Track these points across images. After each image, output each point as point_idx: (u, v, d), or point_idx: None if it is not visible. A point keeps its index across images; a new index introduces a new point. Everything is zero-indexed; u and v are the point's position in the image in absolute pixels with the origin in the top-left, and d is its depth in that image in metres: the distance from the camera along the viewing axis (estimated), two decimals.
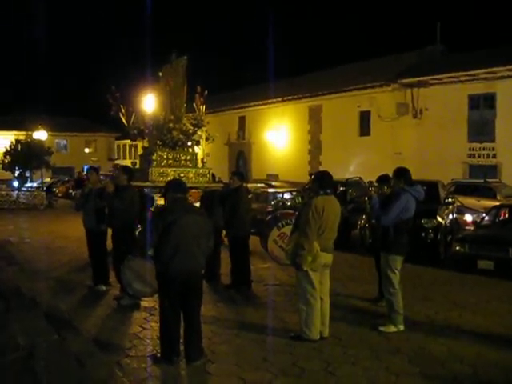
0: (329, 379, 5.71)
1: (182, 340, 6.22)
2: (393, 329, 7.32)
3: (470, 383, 5.71)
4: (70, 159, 60.87)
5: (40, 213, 26.50)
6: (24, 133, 42.97)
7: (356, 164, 28.91)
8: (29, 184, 43.19)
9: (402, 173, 7.74)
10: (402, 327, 7.36)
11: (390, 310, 7.46)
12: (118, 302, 8.53)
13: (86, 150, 66.29)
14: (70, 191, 38.02)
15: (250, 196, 12.21)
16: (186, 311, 6.14)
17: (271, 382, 5.63)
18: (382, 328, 7.35)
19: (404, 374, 5.88)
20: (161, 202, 14.47)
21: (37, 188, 37.41)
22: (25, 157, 38.26)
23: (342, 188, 16.97)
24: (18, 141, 41.37)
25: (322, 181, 7.01)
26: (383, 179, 8.62)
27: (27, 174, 42.81)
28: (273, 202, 17.72)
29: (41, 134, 37.60)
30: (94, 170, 10.32)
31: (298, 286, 7.01)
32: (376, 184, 8.69)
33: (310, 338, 6.78)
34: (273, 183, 26.02)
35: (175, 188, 6.37)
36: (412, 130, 28.45)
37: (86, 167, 43.14)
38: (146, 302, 8.40)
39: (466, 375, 5.91)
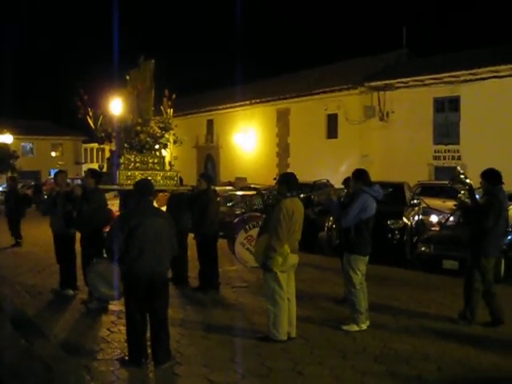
0: (296, 379, 5.78)
1: (149, 343, 6.24)
2: (355, 328, 7.43)
3: (434, 380, 5.84)
4: (36, 163, 60.11)
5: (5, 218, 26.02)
6: None
7: (323, 166, 29.08)
8: None
9: (360, 174, 7.85)
10: (364, 326, 7.48)
11: (352, 309, 7.57)
12: (86, 305, 8.49)
13: (53, 154, 65.38)
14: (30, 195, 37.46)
15: (218, 199, 12.22)
16: (153, 314, 6.15)
17: (239, 382, 5.69)
18: (344, 327, 7.46)
19: (370, 372, 5.98)
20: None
21: (2, 192, 36.82)
22: None
23: (302, 194, 16.91)
24: None
25: (289, 183, 7.08)
26: (348, 181, 8.79)
27: None
28: (229, 204, 17.50)
29: (6, 138, 37.12)
30: (62, 172, 10.24)
31: (266, 287, 7.05)
32: (342, 186, 8.84)
33: (278, 338, 6.85)
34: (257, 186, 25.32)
35: (142, 190, 6.37)
36: (379, 133, 28.76)
37: (52, 171, 42.60)
38: (113, 306, 8.38)
39: (431, 372, 6.04)
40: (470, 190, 8.03)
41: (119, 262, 6.16)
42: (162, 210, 6.76)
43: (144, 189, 6.40)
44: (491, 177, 7.96)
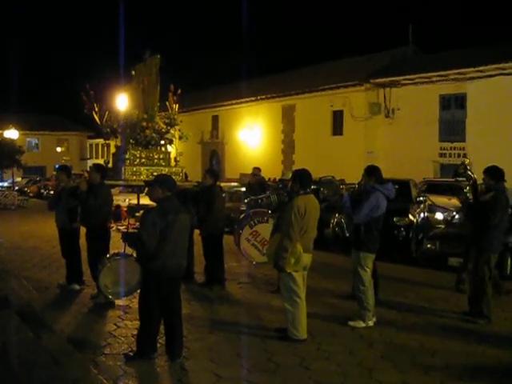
0: (303, 374, 5.78)
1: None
2: (362, 324, 7.42)
3: (441, 376, 5.83)
4: (41, 158, 60.14)
5: (12, 213, 26.17)
6: None
7: (329, 163, 29.04)
8: None
9: (372, 171, 7.77)
10: (370, 323, 7.47)
11: (360, 306, 7.55)
12: (93, 300, 8.51)
13: (58, 149, 65.24)
14: (42, 191, 37.59)
15: (223, 194, 12.23)
16: (171, 308, 6.13)
17: (246, 377, 5.68)
18: (351, 323, 7.45)
19: (377, 368, 5.97)
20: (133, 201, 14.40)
21: (8, 188, 36.92)
22: None
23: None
24: None
25: (302, 180, 6.89)
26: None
27: None
28: (246, 200, 17.52)
29: (12, 133, 37.16)
30: (61, 169, 9.98)
31: (282, 287, 6.96)
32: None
33: (298, 338, 6.73)
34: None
35: (169, 185, 6.23)
36: (384, 130, 28.75)
37: (57, 166, 42.70)
38: (120, 301, 8.38)
39: (438, 368, 6.04)
40: (474, 185, 8.03)
41: (149, 258, 5.97)
42: (184, 206, 6.65)
43: (173, 184, 6.34)
44: (496, 173, 7.96)
